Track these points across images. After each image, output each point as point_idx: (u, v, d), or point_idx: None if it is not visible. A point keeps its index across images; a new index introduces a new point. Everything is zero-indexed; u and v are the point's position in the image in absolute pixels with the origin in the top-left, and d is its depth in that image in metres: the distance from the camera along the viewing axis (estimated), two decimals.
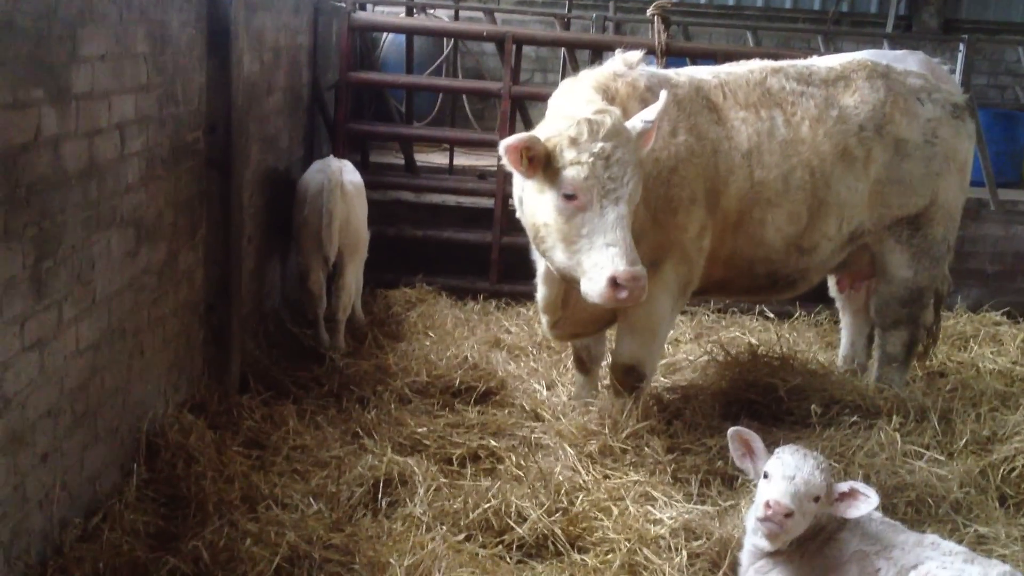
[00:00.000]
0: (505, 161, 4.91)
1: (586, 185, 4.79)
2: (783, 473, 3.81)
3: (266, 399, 5.88)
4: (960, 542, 4.38)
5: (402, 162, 9.69)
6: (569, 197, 4.83)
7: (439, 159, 10.31)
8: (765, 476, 3.87)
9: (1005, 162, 10.28)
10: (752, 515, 4.04)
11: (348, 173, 7.04)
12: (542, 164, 4.90)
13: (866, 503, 3.83)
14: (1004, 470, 5.27)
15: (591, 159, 4.79)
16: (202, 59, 5.51)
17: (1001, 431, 5.65)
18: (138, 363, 4.83)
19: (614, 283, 4.70)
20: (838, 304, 7.05)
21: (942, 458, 5.34)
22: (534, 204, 5.09)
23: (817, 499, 3.81)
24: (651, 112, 5.09)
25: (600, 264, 4.75)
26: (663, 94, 5.18)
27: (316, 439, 5.43)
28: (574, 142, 4.84)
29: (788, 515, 3.74)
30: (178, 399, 5.38)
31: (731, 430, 4.11)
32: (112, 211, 4.43)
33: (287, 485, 4.88)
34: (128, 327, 4.69)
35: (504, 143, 4.87)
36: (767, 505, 3.75)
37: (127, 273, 4.64)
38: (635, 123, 5.03)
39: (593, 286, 4.79)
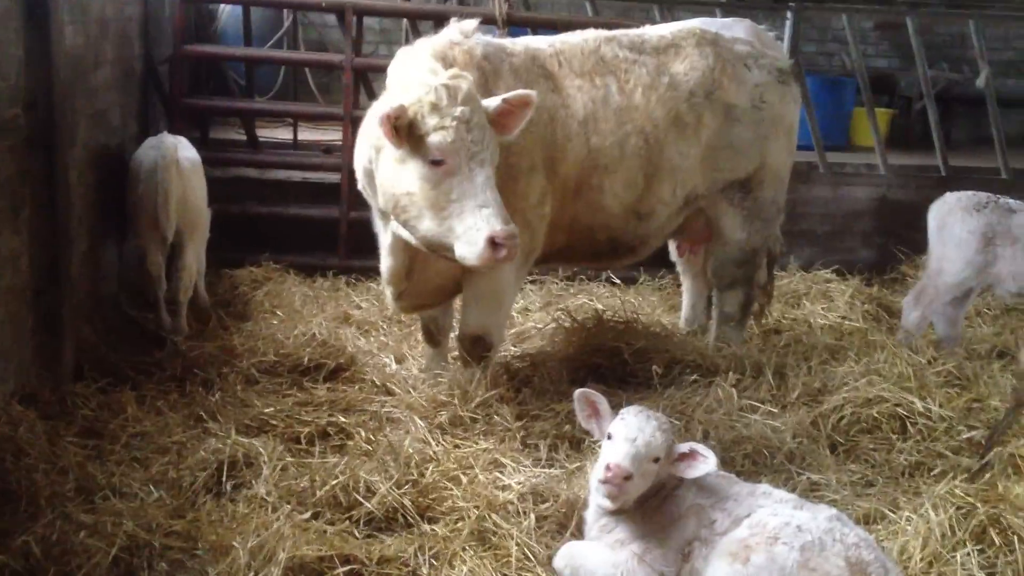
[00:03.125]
0: (381, 132, 4.83)
1: (453, 148, 4.78)
2: (626, 435, 3.92)
3: (103, 386, 5.65)
4: (794, 490, 4.60)
5: (244, 138, 9.43)
6: (437, 163, 4.80)
7: (284, 134, 10.07)
8: (609, 437, 3.98)
9: (833, 126, 10.70)
10: (595, 475, 4.15)
11: (183, 149, 6.78)
12: (405, 133, 4.86)
13: (704, 464, 3.97)
14: (834, 419, 5.51)
15: (454, 123, 4.78)
16: (19, 32, 5.23)
17: (831, 383, 5.90)
18: None
19: (492, 243, 4.70)
20: (679, 268, 7.26)
21: (776, 411, 5.56)
22: (394, 175, 5.01)
23: (657, 460, 3.94)
24: (512, 94, 5.08)
25: (476, 226, 4.73)
26: (534, 93, 5.15)
27: (157, 425, 5.26)
28: (435, 107, 4.81)
29: (627, 478, 3.86)
30: (6, 390, 5.12)
31: (577, 392, 4.20)
32: None
33: (126, 474, 4.72)
34: None
35: (381, 115, 4.79)
36: (607, 468, 3.86)
37: None
38: (493, 101, 5.03)
39: (471, 248, 4.76)
